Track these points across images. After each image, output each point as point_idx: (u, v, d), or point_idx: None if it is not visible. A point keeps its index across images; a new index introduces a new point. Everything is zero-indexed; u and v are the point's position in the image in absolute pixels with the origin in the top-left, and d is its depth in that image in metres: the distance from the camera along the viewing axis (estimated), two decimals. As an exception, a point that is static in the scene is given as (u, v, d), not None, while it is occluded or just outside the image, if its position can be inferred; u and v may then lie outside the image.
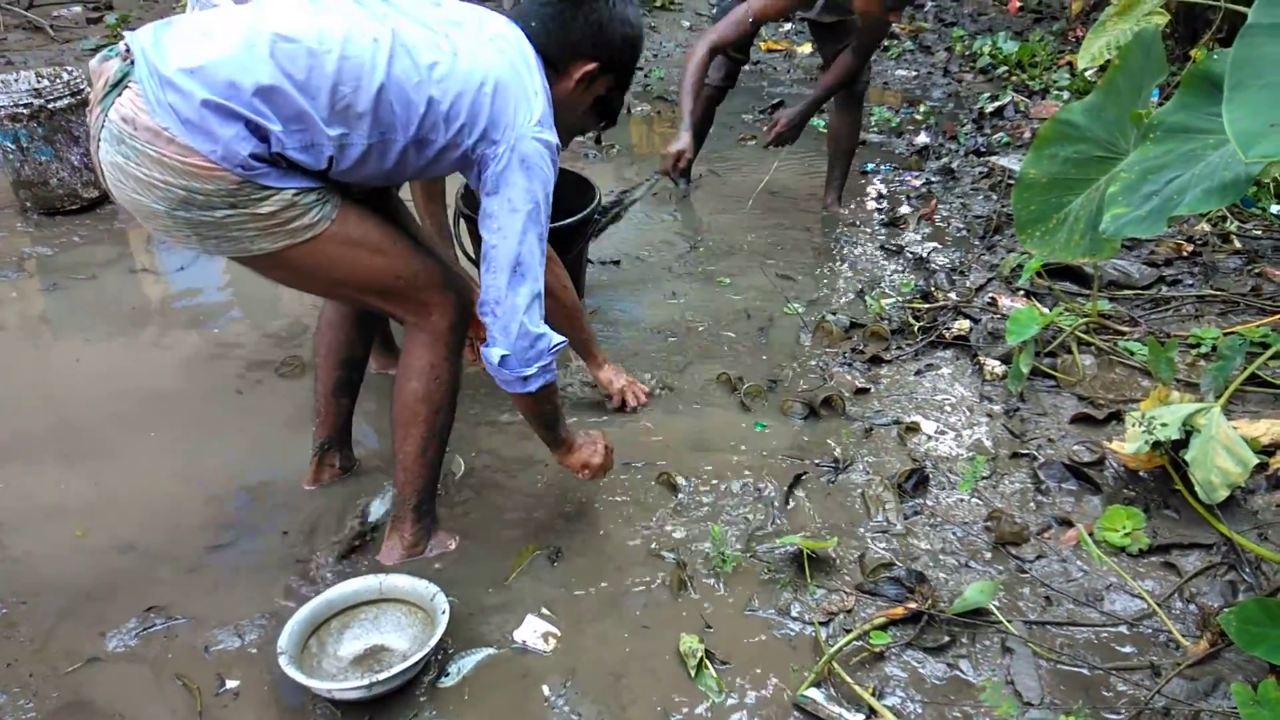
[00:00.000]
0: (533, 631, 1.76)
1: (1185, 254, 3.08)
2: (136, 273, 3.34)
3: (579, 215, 2.71)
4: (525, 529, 2.04)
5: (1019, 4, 6.96)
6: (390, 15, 1.61)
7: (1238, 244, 3.10)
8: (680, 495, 2.12)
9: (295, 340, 2.84)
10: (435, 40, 1.62)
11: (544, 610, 1.81)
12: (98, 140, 1.53)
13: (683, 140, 3.01)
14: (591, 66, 1.77)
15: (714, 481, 2.17)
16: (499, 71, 1.64)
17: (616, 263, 3.35)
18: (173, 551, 1.99)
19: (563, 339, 1.77)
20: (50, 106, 3.62)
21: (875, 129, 4.85)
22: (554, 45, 1.75)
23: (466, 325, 1.84)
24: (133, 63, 1.49)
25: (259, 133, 1.50)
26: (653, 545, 1.97)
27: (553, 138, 1.69)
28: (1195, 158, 1.59)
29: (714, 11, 3.72)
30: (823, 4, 3.29)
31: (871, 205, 3.90)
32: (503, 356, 1.69)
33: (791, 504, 2.10)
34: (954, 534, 1.98)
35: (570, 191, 2.76)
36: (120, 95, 1.49)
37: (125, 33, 1.56)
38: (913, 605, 1.74)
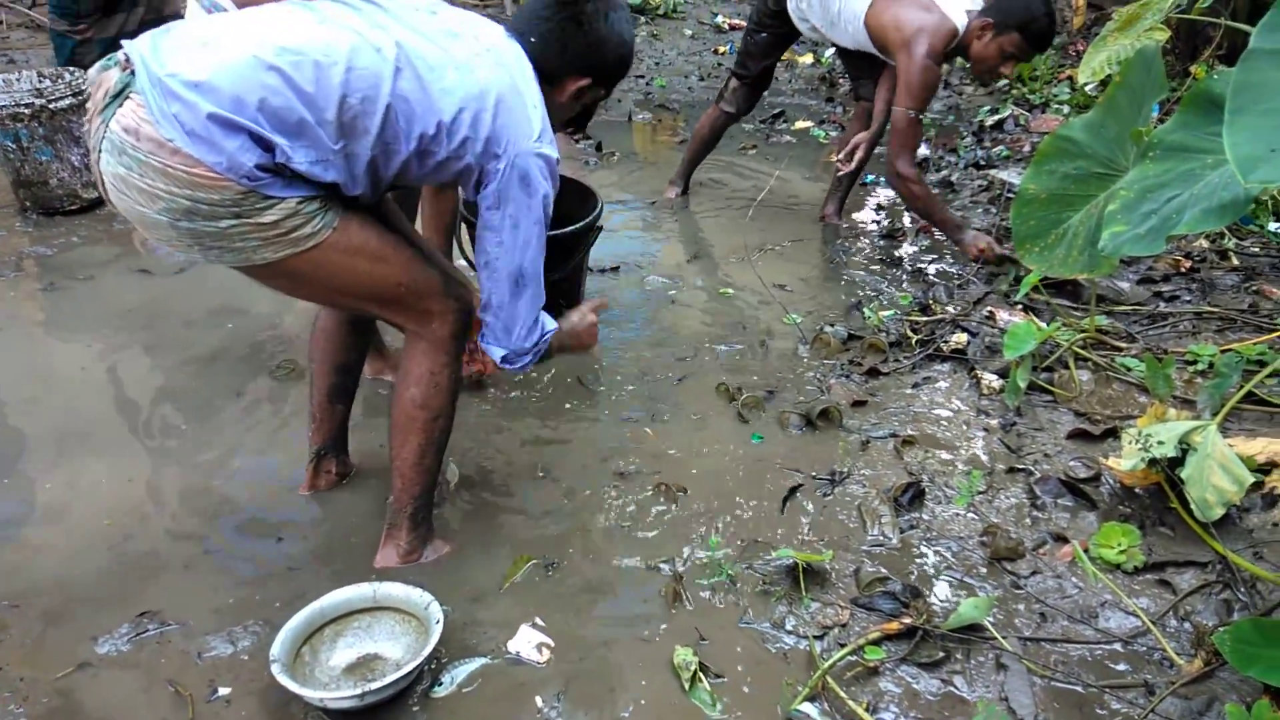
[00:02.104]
0: (527, 642, 1.75)
1: (1183, 270, 3.09)
2: (134, 274, 3.34)
3: (580, 223, 2.70)
4: (520, 538, 2.03)
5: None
6: (391, 26, 1.61)
7: (1235, 261, 3.10)
8: (676, 506, 2.12)
9: (291, 343, 2.83)
10: (436, 53, 1.61)
11: (538, 620, 1.80)
12: (98, 151, 1.52)
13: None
14: (585, 82, 1.80)
15: (710, 492, 2.16)
16: (499, 86, 1.64)
17: (615, 269, 3.35)
18: (166, 556, 1.98)
19: (555, 325, 1.86)
20: (51, 106, 3.62)
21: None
22: (551, 59, 1.76)
23: (466, 333, 1.85)
24: (133, 73, 1.48)
25: (263, 144, 1.50)
26: (648, 556, 1.97)
27: (552, 152, 1.70)
28: (1194, 177, 1.60)
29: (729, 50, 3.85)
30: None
31: (870, 217, 3.91)
32: (503, 355, 1.81)
33: (787, 516, 2.09)
34: (949, 549, 1.98)
35: (571, 199, 2.76)
36: (121, 106, 1.48)
37: (124, 42, 1.56)
38: (907, 620, 1.74)
